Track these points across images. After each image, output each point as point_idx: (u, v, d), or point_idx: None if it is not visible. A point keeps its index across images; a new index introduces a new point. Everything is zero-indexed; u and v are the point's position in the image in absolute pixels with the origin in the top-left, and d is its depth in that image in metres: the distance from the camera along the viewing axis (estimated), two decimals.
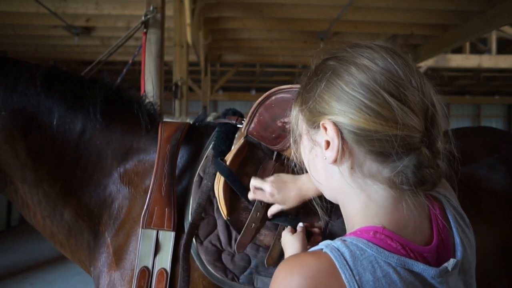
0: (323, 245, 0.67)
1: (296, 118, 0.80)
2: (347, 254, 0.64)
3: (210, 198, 1.18)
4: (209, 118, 1.54)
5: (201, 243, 1.16)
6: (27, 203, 1.27)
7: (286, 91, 1.15)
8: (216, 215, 1.17)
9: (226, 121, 1.30)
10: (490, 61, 8.75)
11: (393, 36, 7.61)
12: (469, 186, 1.45)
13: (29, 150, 1.23)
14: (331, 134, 0.69)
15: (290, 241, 1.01)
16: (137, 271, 1.14)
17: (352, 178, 0.71)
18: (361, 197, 0.71)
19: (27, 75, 1.25)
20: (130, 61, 2.81)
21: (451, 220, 0.75)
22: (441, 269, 0.66)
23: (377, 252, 0.64)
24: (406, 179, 0.66)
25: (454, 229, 0.74)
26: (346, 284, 0.61)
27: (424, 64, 9.05)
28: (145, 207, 1.19)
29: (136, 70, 7.84)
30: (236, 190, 1.14)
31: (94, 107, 1.27)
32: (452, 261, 0.68)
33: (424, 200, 0.72)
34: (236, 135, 1.25)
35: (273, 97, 1.17)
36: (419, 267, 0.65)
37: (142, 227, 1.17)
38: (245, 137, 1.21)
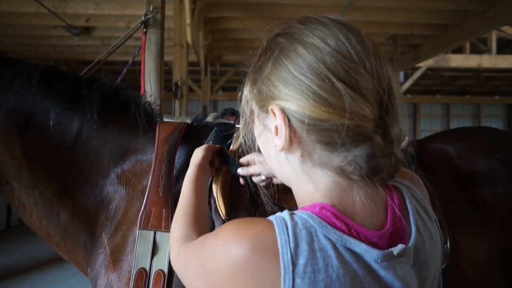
0: (272, 216, 0.65)
1: (246, 99, 0.75)
2: (289, 223, 0.62)
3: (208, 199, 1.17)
4: (209, 118, 1.53)
5: None
6: (23, 203, 1.27)
7: None
8: (214, 216, 1.16)
9: (225, 121, 1.29)
10: (490, 61, 8.75)
11: (393, 36, 7.61)
12: (469, 186, 1.45)
13: (25, 150, 1.22)
14: (279, 121, 0.65)
15: (198, 163, 1.03)
16: (135, 272, 1.13)
17: (302, 167, 0.68)
18: (312, 185, 0.68)
19: (23, 75, 1.25)
20: (130, 61, 2.81)
21: (410, 210, 0.71)
22: (386, 252, 0.63)
23: (319, 224, 0.62)
24: (358, 169, 0.63)
25: (411, 219, 0.70)
26: (280, 248, 0.60)
27: (424, 64, 9.06)
28: (142, 208, 1.18)
29: (136, 70, 7.83)
30: (230, 167, 1.12)
31: (91, 107, 1.26)
32: (399, 246, 0.65)
33: (381, 190, 0.68)
34: (234, 135, 1.25)
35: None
36: (361, 247, 0.62)
37: (140, 228, 1.16)
38: (244, 137, 1.21)
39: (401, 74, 9.23)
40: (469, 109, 16.97)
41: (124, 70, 2.67)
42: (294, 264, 0.59)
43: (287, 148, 0.67)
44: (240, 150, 1.07)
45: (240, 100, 0.77)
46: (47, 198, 1.24)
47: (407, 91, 13.77)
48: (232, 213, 1.13)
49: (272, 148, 0.72)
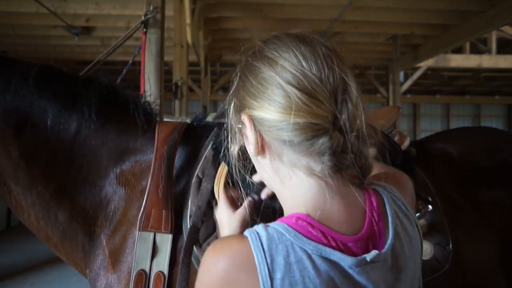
0: (247, 230, 0.69)
1: (231, 115, 0.81)
2: (264, 238, 0.65)
3: (209, 201, 1.17)
4: (209, 118, 1.52)
5: (200, 246, 1.14)
6: (21, 204, 1.26)
7: None
8: (215, 217, 1.16)
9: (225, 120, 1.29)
10: (490, 61, 8.75)
11: (393, 36, 7.61)
12: (469, 187, 1.44)
13: (22, 150, 1.21)
14: (247, 127, 0.73)
15: (226, 219, 1.00)
16: (134, 274, 1.13)
17: (274, 169, 0.74)
18: (285, 187, 0.74)
19: (20, 74, 1.23)
20: (130, 61, 2.80)
21: (389, 215, 0.74)
22: (359, 258, 0.66)
23: (294, 237, 0.66)
24: (323, 166, 0.68)
25: (390, 224, 0.73)
26: (257, 265, 0.63)
27: (424, 64, 9.06)
28: (142, 209, 1.17)
29: (136, 70, 7.83)
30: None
31: (89, 107, 1.25)
32: (373, 252, 0.68)
33: (356, 190, 0.72)
34: None
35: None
36: (336, 255, 0.66)
37: (139, 230, 1.16)
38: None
39: (401, 74, 9.23)
40: (469, 109, 16.95)
41: (124, 70, 2.67)
42: (271, 278, 0.63)
43: (259, 152, 0.74)
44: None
45: (227, 116, 0.83)
46: (45, 199, 1.24)
47: (407, 91, 13.77)
48: None
49: (251, 156, 0.79)
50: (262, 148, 0.73)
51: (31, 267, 5.12)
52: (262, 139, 0.73)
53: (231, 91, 0.80)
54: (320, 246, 0.66)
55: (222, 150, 1.19)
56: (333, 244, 0.67)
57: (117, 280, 1.16)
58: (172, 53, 5.31)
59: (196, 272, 1.14)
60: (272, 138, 0.71)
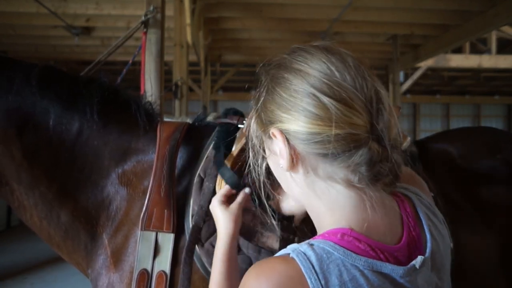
0: (290, 249, 0.66)
1: (254, 130, 0.80)
2: (313, 258, 0.63)
3: (211, 200, 1.17)
4: (209, 118, 1.52)
5: (202, 245, 1.15)
6: (23, 204, 1.26)
7: None
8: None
9: (227, 121, 1.29)
10: (490, 61, 8.74)
11: (393, 36, 7.62)
12: (470, 186, 1.45)
13: (25, 150, 1.22)
14: (279, 142, 0.70)
15: (220, 215, 0.99)
16: (136, 273, 1.13)
17: (308, 184, 0.71)
18: (322, 201, 0.71)
19: (22, 74, 1.24)
20: (130, 61, 2.80)
21: (422, 218, 0.74)
22: (408, 267, 0.66)
23: (344, 255, 0.64)
24: (361, 177, 0.66)
25: (425, 226, 0.73)
26: None
27: (424, 64, 9.06)
28: (144, 208, 1.17)
29: (136, 70, 7.83)
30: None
31: (91, 107, 1.25)
32: (419, 259, 0.68)
33: (390, 198, 0.72)
34: (237, 135, 1.24)
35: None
36: (388, 268, 0.65)
37: (141, 229, 1.16)
38: (246, 137, 1.20)
39: (401, 74, 9.22)
40: (469, 109, 16.95)
41: (124, 70, 2.67)
42: None
43: (291, 167, 0.71)
44: (244, 155, 1.07)
45: (248, 132, 0.82)
46: (47, 199, 1.24)
47: (407, 91, 13.76)
48: None
49: (281, 171, 0.76)
50: (293, 162, 0.70)
51: (31, 267, 5.12)
52: (296, 152, 0.70)
53: (255, 104, 0.77)
54: (371, 260, 0.64)
55: (224, 147, 1.19)
56: (382, 256, 0.66)
57: (119, 279, 1.16)
58: (172, 53, 5.31)
59: (197, 271, 1.15)
60: (307, 151, 0.68)
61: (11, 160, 1.22)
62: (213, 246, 1.14)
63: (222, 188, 1.10)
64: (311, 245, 0.66)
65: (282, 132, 0.70)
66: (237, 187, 1.09)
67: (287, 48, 0.78)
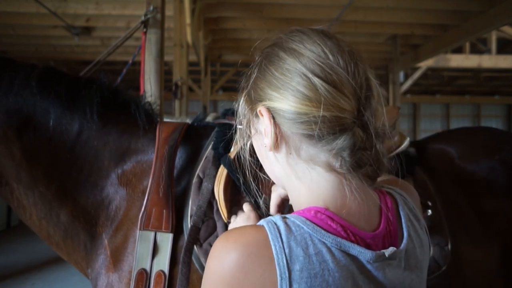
0: (264, 220, 0.66)
1: (242, 110, 0.79)
2: (282, 228, 0.63)
3: (210, 200, 1.17)
4: (208, 119, 1.53)
5: (201, 245, 1.15)
6: (23, 204, 1.27)
7: None
8: (216, 217, 1.16)
9: (226, 121, 1.29)
10: (490, 61, 8.74)
11: (393, 36, 7.62)
12: (469, 187, 1.45)
13: (24, 150, 1.22)
14: (265, 120, 0.70)
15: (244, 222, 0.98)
16: (135, 273, 1.13)
17: (290, 164, 0.71)
18: (302, 182, 0.71)
19: (22, 75, 1.24)
20: (130, 61, 2.81)
21: (402, 216, 0.74)
22: (378, 253, 0.66)
23: (313, 230, 0.64)
24: (344, 162, 0.66)
25: (404, 225, 0.73)
26: (275, 255, 0.61)
27: (424, 64, 9.05)
28: (142, 208, 1.18)
29: (136, 70, 7.84)
30: (246, 192, 1.13)
31: (91, 108, 1.26)
32: (391, 249, 0.68)
33: (373, 192, 0.71)
34: (236, 137, 1.24)
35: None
36: (356, 249, 0.64)
37: (140, 229, 1.16)
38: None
39: (401, 74, 9.22)
40: (469, 109, 16.95)
41: (124, 70, 2.67)
42: (290, 270, 0.61)
43: (275, 146, 0.70)
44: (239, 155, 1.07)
45: (237, 111, 0.81)
46: (47, 199, 1.24)
47: (407, 91, 13.77)
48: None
49: (264, 152, 0.76)
50: (277, 141, 0.70)
51: (31, 267, 5.12)
52: (280, 132, 0.69)
53: (245, 83, 0.77)
54: (339, 239, 0.64)
55: (222, 146, 1.19)
56: (352, 238, 0.66)
57: (118, 279, 1.17)
58: (172, 53, 5.31)
59: (196, 271, 1.15)
60: (292, 131, 0.68)
61: (11, 160, 1.22)
62: (212, 246, 1.14)
63: (221, 189, 1.11)
64: (284, 217, 0.66)
65: (269, 110, 0.70)
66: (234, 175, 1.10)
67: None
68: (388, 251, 0.67)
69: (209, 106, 11.06)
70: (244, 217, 0.96)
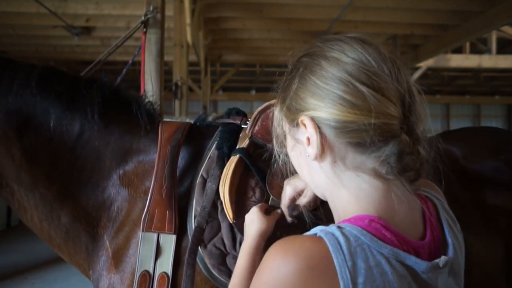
0: (318, 230, 0.65)
1: (278, 119, 0.80)
2: (341, 239, 0.62)
3: (214, 201, 1.16)
4: (209, 119, 1.52)
5: (205, 246, 1.14)
6: (23, 205, 1.25)
7: None
8: (220, 218, 1.15)
9: (230, 121, 1.28)
10: (490, 61, 8.74)
11: (393, 36, 7.61)
12: (474, 187, 1.44)
13: (25, 151, 1.21)
14: (309, 130, 0.69)
15: (257, 220, 0.99)
16: (138, 275, 1.12)
17: (336, 172, 0.71)
18: (349, 190, 0.70)
19: (22, 75, 1.23)
20: (130, 61, 2.81)
21: (443, 221, 0.74)
22: (432, 263, 0.65)
23: (370, 240, 0.63)
24: (390, 168, 0.66)
25: (446, 230, 0.73)
26: (338, 269, 0.60)
27: (424, 64, 9.05)
28: (145, 209, 1.16)
29: (136, 70, 7.83)
30: (259, 179, 1.13)
31: (92, 108, 1.24)
32: (443, 258, 0.67)
33: (412, 193, 0.71)
34: (241, 136, 1.23)
35: (273, 108, 1.15)
36: (411, 260, 0.64)
37: (143, 230, 1.15)
38: (250, 138, 1.20)
39: None
40: (469, 109, 16.96)
41: (124, 70, 2.67)
42: (354, 283, 0.59)
43: (320, 155, 0.69)
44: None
45: (272, 122, 0.81)
46: (48, 200, 1.23)
47: None
48: (240, 217, 1.11)
49: (304, 160, 0.76)
50: (322, 150, 0.69)
51: (31, 267, 5.11)
52: (326, 141, 0.69)
53: (283, 92, 0.76)
54: (396, 250, 0.63)
55: (227, 146, 1.19)
56: (405, 248, 0.65)
57: (120, 280, 1.16)
58: (172, 53, 5.32)
59: (200, 272, 1.14)
60: (339, 140, 0.67)
61: (11, 161, 1.21)
62: (216, 247, 1.13)
63: (226, 189, 1.10)
64: (339, 227, 0.64)
65: (313, 119, 0.69)
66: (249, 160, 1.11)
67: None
68: (441, 261, 0.67)
69: (209, 106, 11.06)
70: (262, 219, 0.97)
